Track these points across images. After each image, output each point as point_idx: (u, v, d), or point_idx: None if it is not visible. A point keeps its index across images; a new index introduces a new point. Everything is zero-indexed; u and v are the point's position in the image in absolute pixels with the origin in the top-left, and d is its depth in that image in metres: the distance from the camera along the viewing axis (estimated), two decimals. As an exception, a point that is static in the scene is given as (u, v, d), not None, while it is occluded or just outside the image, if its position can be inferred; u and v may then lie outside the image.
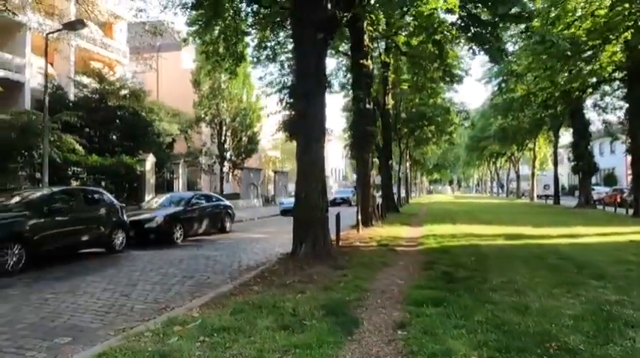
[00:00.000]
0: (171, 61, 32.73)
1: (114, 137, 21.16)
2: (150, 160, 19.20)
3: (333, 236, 9.76)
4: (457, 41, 13.62)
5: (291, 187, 41.44)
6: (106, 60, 26.38)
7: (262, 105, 32.01)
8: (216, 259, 9.39)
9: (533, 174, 39.25)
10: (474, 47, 9.48)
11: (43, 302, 5.84)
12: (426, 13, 10.70)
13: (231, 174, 30.81)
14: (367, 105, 15.38)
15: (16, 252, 7.67)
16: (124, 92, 21.95)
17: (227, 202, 15.54)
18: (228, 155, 30.42)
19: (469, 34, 9.37)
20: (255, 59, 17.65)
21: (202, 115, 29.33)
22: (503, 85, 26.81)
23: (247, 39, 15.74)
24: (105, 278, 7.44)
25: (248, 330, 4.25)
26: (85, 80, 22.30)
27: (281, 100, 10.03)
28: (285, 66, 18.39)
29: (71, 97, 21.89)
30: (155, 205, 13.78)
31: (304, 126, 8.54)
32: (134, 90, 22.38)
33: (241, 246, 11.62)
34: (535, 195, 39.11)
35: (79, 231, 9.13)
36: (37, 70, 23.29)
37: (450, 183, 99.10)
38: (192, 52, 33.72)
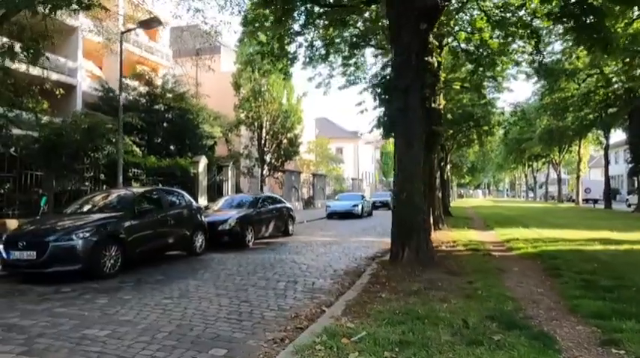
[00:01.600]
0: (211, 65, 32.82)
1: (159, 139, 21.11)
2: (202, 162, 19.04)
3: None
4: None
5: (328, 190, 41.02)
6: (150, 63, 26.52)
7: (303, 108, 31.83)
8: (305, 263, 8.95)
9: (578, 178, 37.85)
10: (582, 38, 8.82)
11: (164, 308, 5.48)
12: (516, 4, 10.14)
13: (272, 176, 30.56)
14: (433, 104, 14.80)
15: (113, 253, 7.38)
16: (170, 95, 21.96)
17: (289, 204, 15.16)
18: (267, 158, 30.17)
19: (574, 24, 8.72)
20: (307, 59, 17.30)
21: (243, 118, 29.19)
22: (554, 83, 25.72)
23: (300, 39, 15.43)
24: (207, 282, 7.08)
25: (433, 345, 3.75)
26: (133, 83, 22.37)
27: (378, 95, 9.57)
28: (334, 66, 18.07)
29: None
30: (218, 207, 13.47)
31: (404, 123, 8.05)
32: (181, 94, 22.40)
33: (317, 249, 11.16)
34: (581, 199, 37.62)
35: (166, 232, 8.84)
36: (86, 73, 23.56)
37: (477, 187, 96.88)
38: (232, 55, 33.80)
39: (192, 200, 10.32)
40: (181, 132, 21.39)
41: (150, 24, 11.84)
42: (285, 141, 30.58)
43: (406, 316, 4.66)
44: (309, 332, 4.33)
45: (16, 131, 13.64)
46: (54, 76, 20.19)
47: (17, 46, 10.60)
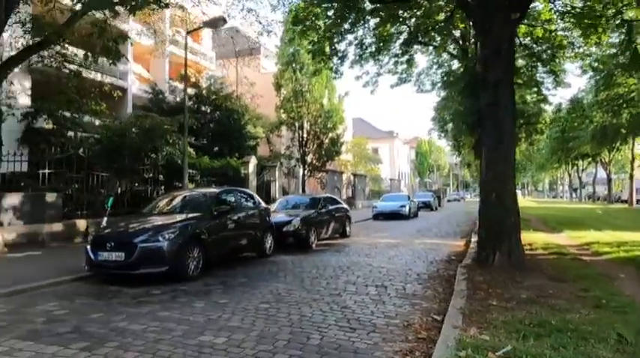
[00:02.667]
0: (252, 66, 33.07)
1: (205, 140, 21.24)
2: (252, 163, 19.01)
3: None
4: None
5: (367, 190, 40.52)
6: (196, 66, 26.80)
7: (344, 108, 31.53)
8: (382, 266, 8.60)
9: (631, 177, 35.99)
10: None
11: (266, 313, 5.26)
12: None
13: (313, 177, 30.41)
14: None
15: (196, 255, 7.26)
16: (215, 96, 22.12)
17: (346, 205, 14.87)
18: (308, 158, 29.99)
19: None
20: (357, 57, 16.97)
21: (285, 118, 29.12)
22: (612, 78, 24.39)
23: (350, 37, 15.15)
24: (294, 285, 6.84)
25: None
26: (180, 86, 22.62)
27: (462, 91, 9.17)
28: (382, 64, 17.74)
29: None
30: (274, 208, 13.27)
31: (494, 119, 7.62)
32: (227, 94, 22.55)
33: (385, 251, 10.77)
34: (634, 200, 35.76)
35: (240, 234, 8.70)
36: (135, 76, 24.01)
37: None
38: (272, 57, 33.87)
39: (261, 201, 10.14)
40: (227, 132, 21.45)
41: (215, 23, 11.76)
42: (326, 141, 30.32)
43: (541, 328, 4.27)
44: (442, 344, 3.99)
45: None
46: (107, 79, 20.67)
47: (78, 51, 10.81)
